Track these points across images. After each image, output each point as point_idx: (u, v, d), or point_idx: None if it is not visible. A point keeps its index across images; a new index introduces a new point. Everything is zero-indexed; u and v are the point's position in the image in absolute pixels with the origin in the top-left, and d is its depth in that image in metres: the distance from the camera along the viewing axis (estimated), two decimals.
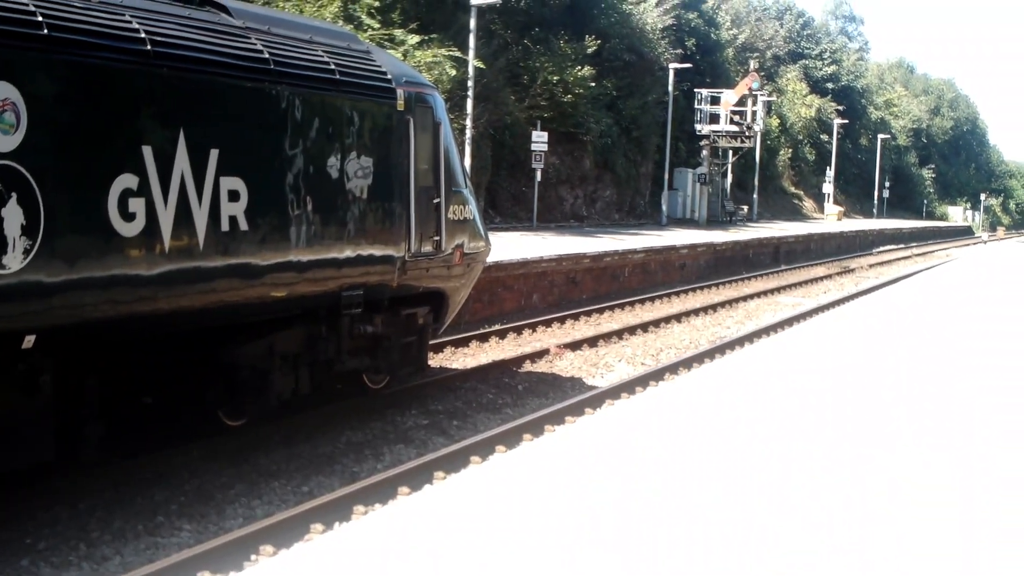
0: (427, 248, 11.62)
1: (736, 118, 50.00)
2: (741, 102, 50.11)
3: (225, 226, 8.77)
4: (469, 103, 30.55)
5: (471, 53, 30.51)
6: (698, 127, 50.22)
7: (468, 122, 30.84)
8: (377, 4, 29.78)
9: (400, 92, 10.99)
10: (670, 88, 44.99)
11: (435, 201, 11.65)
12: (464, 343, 17.34)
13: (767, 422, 9.05)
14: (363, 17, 28.83)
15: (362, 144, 10.37)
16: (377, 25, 28.87)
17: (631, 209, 46.31)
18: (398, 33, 28.87)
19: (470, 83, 30.64)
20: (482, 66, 31.01)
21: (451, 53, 29.14)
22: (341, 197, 10.13)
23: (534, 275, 22.56)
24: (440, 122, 11.76)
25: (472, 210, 12.68)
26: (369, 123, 10.51)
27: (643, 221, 45.49)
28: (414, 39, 28.73)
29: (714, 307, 24.87)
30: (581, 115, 39.95)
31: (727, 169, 54.22)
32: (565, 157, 40.63)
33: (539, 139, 35.22)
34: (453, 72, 29.11)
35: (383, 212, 10.78)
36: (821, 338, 14.91)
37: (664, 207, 46.44)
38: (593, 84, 40.08)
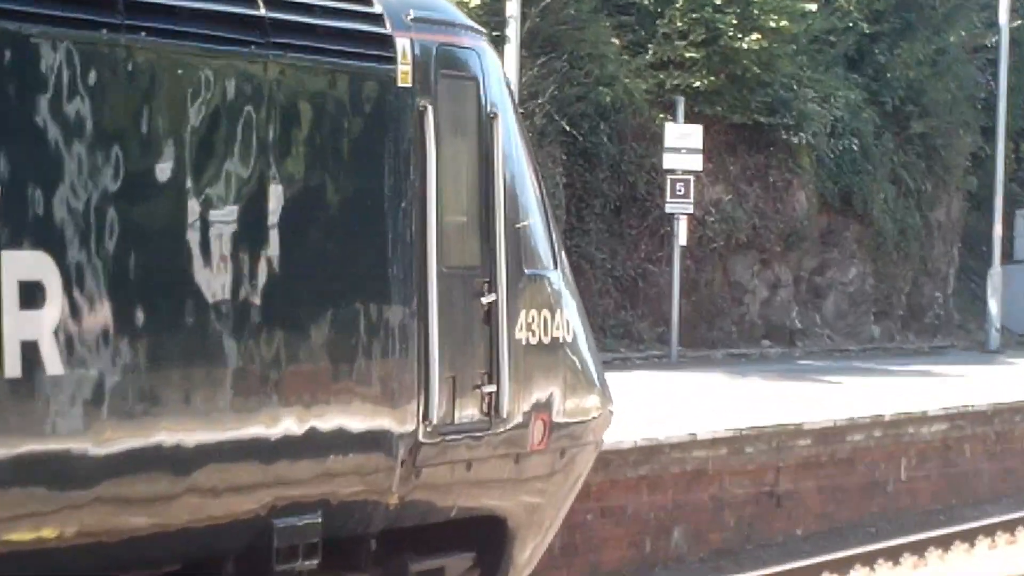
0: (467, 412, 8.09)
1: None
2: None
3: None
4: (510, 55, 20.45)
5: None
6: None
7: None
8: None
9: (404, 45, 7.54)
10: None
11: (484, 300, 8.09)
12: None
13: None
14: None
15: (308, 172, 7.07)
16: None
17: (910, 313, 31.64)
18: None
19: (512, 14, 20.71)
20: None
21: None
22: (262, 298, 6.77)
23: (672, 480, 16.85)
24: (495, 112, 8.09)
25: (571, 318, 9.05)
26: (328, 124, 7.21)
27: (939, 344, 31.25)
28: None
29: None
30: (783, 81, 25.58)
31: None
32: (747, 183, 26.71)
33: (681, 136, 22.93)
34: None
35: (361, 329, 7.39)
36: None
37: (993, 309, 30.08)
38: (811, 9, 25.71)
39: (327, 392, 7.03)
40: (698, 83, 23.42)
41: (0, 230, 5.41)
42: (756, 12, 23.47)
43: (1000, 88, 28.92)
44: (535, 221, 8.55)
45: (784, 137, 25.38)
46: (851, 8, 26.84)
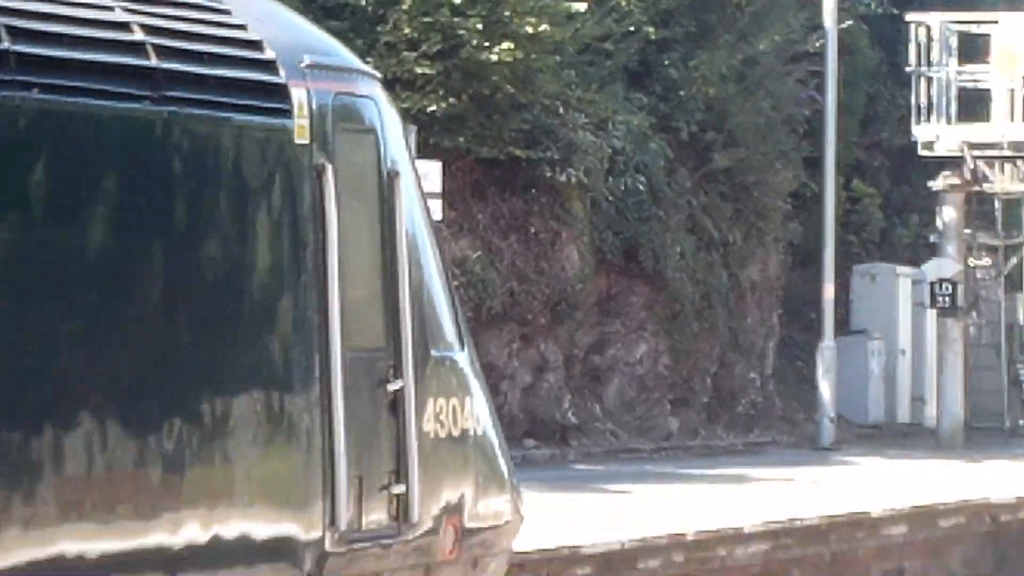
0: (375, 517, 8.15)
1: None
2: None
3: None
4: None
5: None
6: (921, 132, 28.29)
7: None
8: None
9: (300, 95, 7.73)
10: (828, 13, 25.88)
11: (391, 387, 8.19)
12: None
13: None
14: None
15: (202, 241, 7.22)
16: None
17: (718, 401, 29.07)
18: None
19: None
20: None
21: None
22: (156, 385, 6.87)
23: None
24: (396, 170, 8.26)
25: (480, 407, 9.14)
26: (221, 187, 7.33)
27: (756, 440, 28.56)
28: None
29: None
30: (545, 102, 23.19)
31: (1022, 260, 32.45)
32: (501, 236, 24.61)
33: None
34: None
35: (263, 421, 7.48)
36: None
37: (825, 394, 27.04)
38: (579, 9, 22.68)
39: (229, 495, 7.19)
40: (434, 107, 21.06)
41: None
42: (508, 14, 20.69)
43: (828, 107, 25.62)
44: (439, 294, 8.72)
45: (548, 175, 22.91)
46: (632, 7, 23.44)
